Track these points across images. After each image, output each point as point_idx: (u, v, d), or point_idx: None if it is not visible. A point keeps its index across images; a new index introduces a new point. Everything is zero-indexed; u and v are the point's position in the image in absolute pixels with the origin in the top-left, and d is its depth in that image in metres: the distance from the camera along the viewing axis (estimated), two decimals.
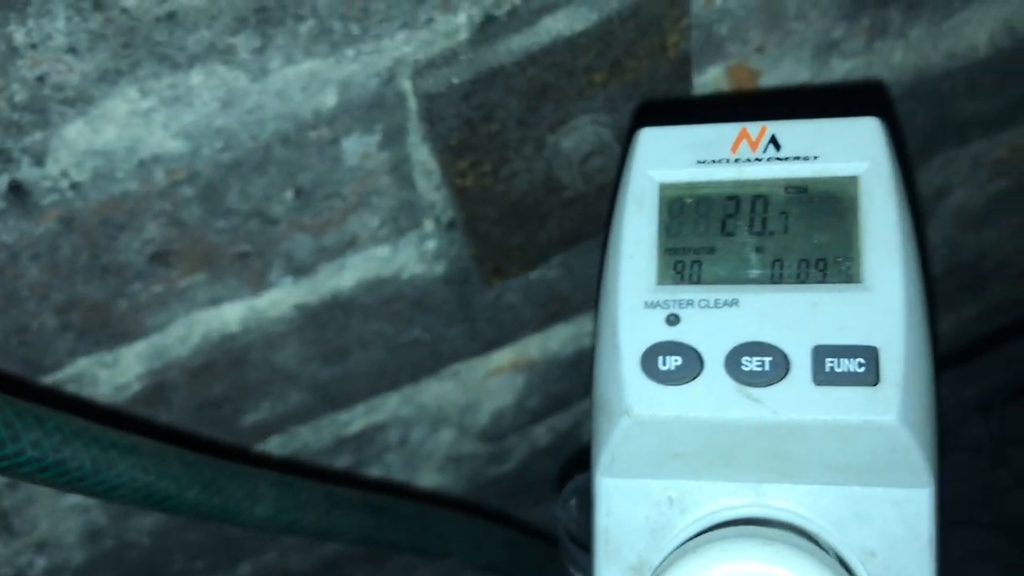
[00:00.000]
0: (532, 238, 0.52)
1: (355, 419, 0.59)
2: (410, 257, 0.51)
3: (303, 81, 0.41)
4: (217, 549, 0.62)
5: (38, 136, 0.37)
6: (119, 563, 0.58)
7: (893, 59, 0.55)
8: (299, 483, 0.41)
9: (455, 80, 0.43)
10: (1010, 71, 0.60)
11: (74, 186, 0.40)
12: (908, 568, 0.32)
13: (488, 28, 0.42)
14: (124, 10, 0.35)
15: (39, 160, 0.38)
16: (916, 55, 0.56)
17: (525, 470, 0.73)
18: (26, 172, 0.38)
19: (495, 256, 0.52)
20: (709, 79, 0.50)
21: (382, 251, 0.49)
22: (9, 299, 0.42)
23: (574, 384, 0.67)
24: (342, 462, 0.62)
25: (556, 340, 0.62)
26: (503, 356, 0.61)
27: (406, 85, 0.43)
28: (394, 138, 0.45)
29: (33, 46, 0.35)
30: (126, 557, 0.58)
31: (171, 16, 0.36)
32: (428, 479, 0.68)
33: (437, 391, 0.61)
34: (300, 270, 0.48)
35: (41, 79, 0.36)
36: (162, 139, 0.40)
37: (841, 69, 0.54)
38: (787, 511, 0.32)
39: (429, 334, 0.56)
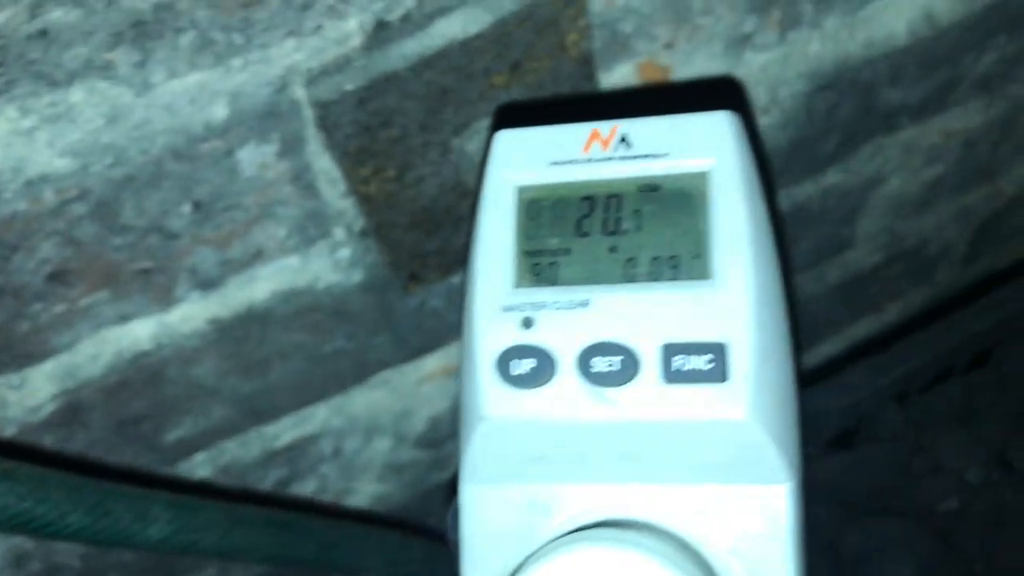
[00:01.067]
0: (448, 243, 0.52)
1: (283, 432, 0.58)
2: (323, 266, 0.50)
3: (190, 94, 0.40)
4: (153, 569, 0.62)
5: None
6: None
7: (810, 50, 0.55)
8: (196, 503, 0.40)
9: (349, 87, 0.42)
10: (932, 57, 0.60)
11: None
12: (770, 564, 0.31)
13: (381, 33, 0.42)
14: None
15: None
16: (834, 45, 0.55)
17: None
18: None
19: (410, 262, 0.51)
20: (617, 77, 0.50)
21: (292, 261, 0.49)
22: None
23: None
24: (274, 475, 0.61)
25: None
26: (433, 362, 0.60)
27: (300, 93, 0.42)
28: (292, 147, 0.44)
29: None
30: None
31: (43, 33, 0.36)
32: (369, 489, 0.67)
33: (367, 400, 0.60)
34: (207, 284, 0.47)
35: None
36: (48, 157, 0.39)
37: (756, 62, 0.54)
38: (647, 512, 0.32)
39: (353, 343, 0.55)
